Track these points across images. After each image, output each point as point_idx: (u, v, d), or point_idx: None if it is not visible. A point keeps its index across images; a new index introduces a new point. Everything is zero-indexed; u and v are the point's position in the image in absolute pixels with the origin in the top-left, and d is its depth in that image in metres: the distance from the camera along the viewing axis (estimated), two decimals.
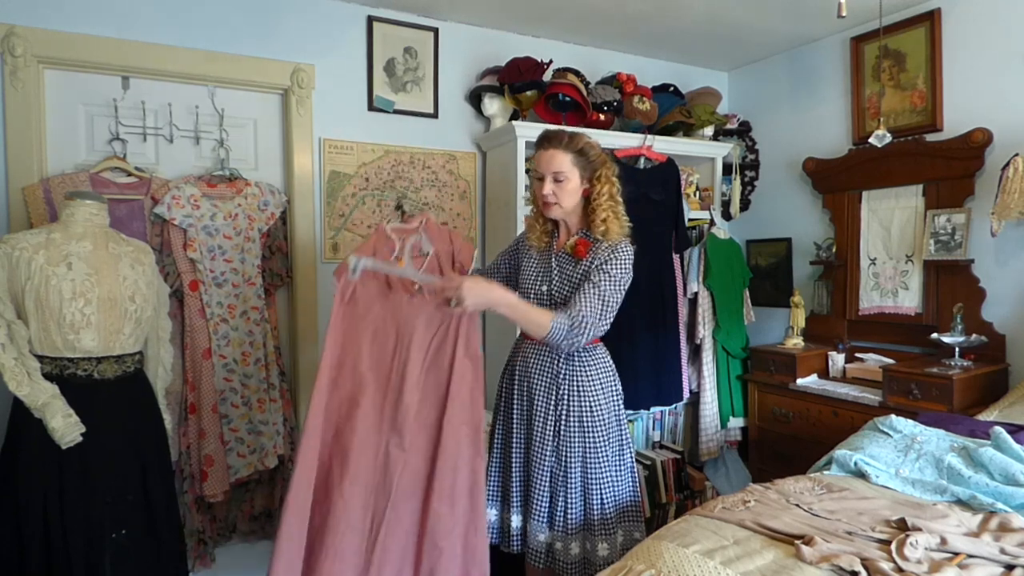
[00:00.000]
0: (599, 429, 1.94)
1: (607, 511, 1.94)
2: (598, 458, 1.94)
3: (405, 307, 1.79)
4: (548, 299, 1.96)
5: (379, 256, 1.83)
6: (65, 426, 1.82)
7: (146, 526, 2.00)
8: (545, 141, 1.94)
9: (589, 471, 1.93)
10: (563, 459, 1.93)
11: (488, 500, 2.01)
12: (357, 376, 1.74)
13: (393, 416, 1.75)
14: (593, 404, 1.94)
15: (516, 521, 2.00)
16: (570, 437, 1.93)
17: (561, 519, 1.92)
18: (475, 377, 1.79)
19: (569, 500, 1.92)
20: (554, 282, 1.95)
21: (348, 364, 1.75)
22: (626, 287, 1.91)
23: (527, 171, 2.04)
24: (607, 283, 1.86)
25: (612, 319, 1.90)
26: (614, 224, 1.92)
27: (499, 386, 2.13)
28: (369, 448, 1.72)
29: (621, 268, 1.90)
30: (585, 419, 1.93)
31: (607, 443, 1.95)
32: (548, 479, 1.94)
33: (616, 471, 1.98)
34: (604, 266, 1.88)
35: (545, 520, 1.94)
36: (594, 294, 1.84)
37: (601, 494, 1.94)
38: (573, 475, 1.92)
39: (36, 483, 1.84)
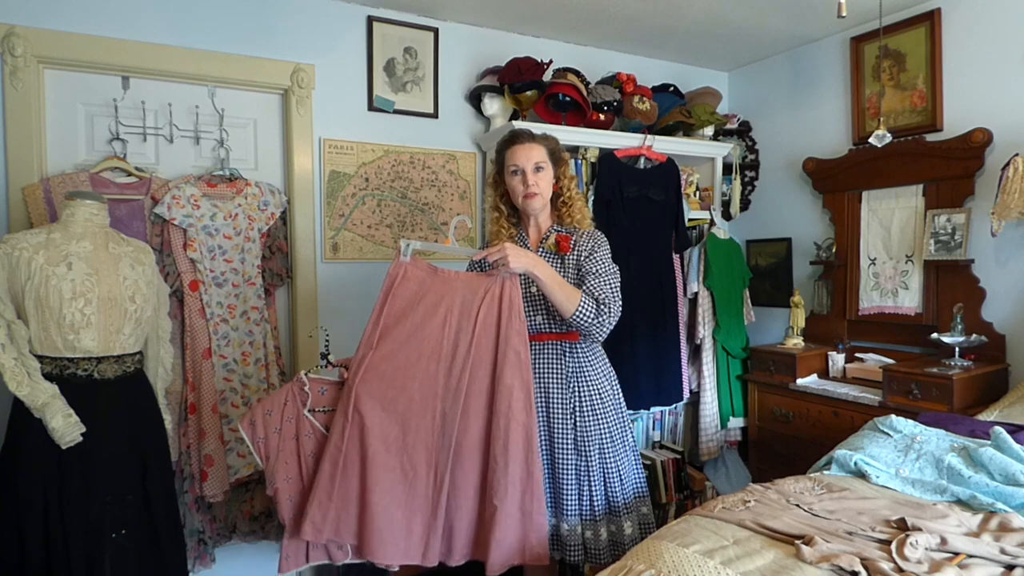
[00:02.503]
0: (610, 415, 2.04)
1: (626, 491, 2.04)
2: (612, 442, 2.03)
3: (452, 280, 1.90)
4: (540, 299, 1.99)
5: (289, 407, 1.92)
6: (65, 426, 1.82)
7: (146, 526, 2.00)
8: (518, 138, 2.03)
9: (606, 456, 2.01)
10: (582, 450, 2.00)
11: None
12: (412, 348, 1.86)
13: (447, 382, 1.85)
14: (603, 392, 2.04)
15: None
16: (587, 427, 2.00)
17: (588, 508, 2.00)
18: (520, 340, 1.88)
19: (593, 488, 1.99)
20: None
21: (402, 338, 1.86)
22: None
23: (496, 174, 2.09)
24: (607, 268, 1.98)
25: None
26: (586, 212, 2.08)
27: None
28: (427, 412, 1.84)
29: (609, 253, 2.02)
30: (597, 408, 2.01)
31: (617, 427, 2.05)
32: (575, 473, 1.99)
33: (625, 452, 2.07)
34: (595, 254, 1.99)
35: (576, 513, 2.00)
36: (604, 281, 1.94)
37: (620, 476, 2.03)
38: (593, 463, 2.00)
39: (36, 483, 1.84)
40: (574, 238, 2.02)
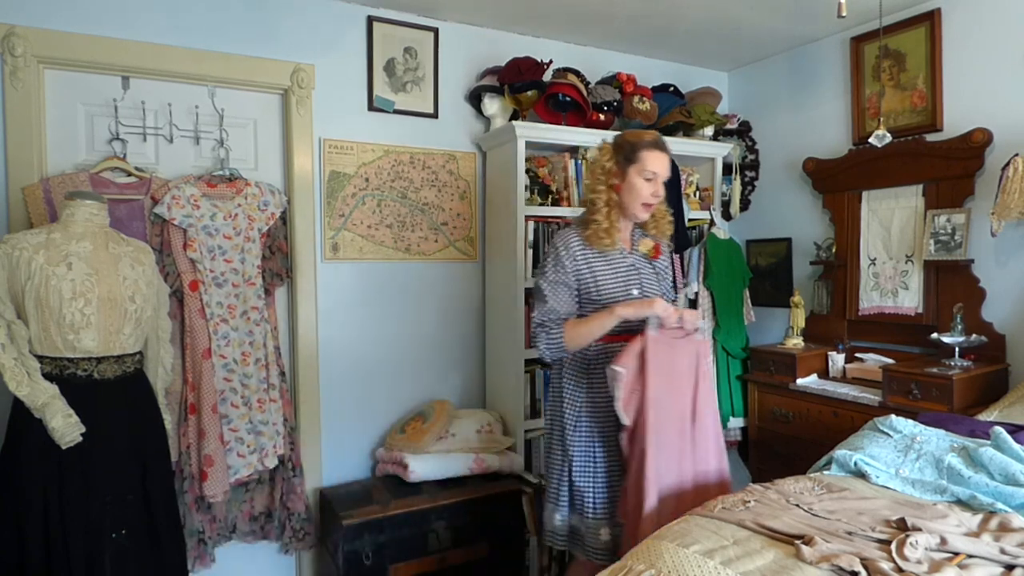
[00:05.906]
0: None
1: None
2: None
3: (677, 346, 2.01)
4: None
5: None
6: (65, 426, 1.82)
7: (146, 526, 2.01)
8: (662, 146, 2.03)
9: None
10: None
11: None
12: (662, 412, 1.96)
13: (692, 432, 1.99)
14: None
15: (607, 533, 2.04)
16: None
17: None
18: (712, 397, 2.09)
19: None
20: (644, 285, 2.06)
21: (650, 396, 1.95)
22: None
23: (615, 165, 2.03)
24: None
25: None
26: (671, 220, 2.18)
27: (578, 397, 2.07)
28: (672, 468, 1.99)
29: None
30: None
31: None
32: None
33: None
34: (670, 266, 2.21)
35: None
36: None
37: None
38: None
39: (36, 483, 1.84)
40: (662, 245, 2.14)
